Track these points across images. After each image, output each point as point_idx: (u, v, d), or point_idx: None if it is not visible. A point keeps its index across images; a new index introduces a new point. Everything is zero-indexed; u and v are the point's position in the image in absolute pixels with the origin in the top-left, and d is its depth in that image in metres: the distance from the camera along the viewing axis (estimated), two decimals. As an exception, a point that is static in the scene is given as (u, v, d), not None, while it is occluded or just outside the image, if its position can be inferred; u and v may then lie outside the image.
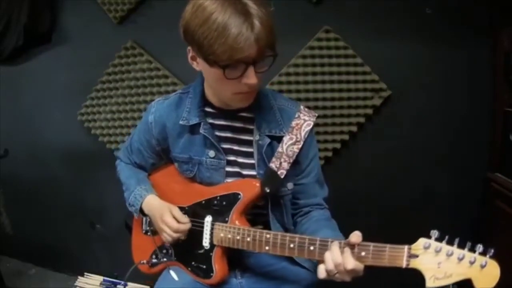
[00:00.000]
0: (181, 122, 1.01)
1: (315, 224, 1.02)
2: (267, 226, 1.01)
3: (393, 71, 1.57)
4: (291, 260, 1.05)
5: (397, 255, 0.74)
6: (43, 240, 2.17)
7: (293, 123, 1.01)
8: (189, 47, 0.90)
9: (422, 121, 1.60)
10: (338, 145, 1.65)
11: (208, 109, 1.02)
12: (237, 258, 1.06)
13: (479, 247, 0.68)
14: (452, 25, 1.50)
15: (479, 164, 1.57)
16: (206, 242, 1.00)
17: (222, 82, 0.86)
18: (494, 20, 1.46)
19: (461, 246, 0.70)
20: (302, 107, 1.04)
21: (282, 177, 0.98)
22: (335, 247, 0.79)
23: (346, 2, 1.54)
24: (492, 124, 1.53)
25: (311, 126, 1.01)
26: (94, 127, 1.90)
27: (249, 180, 1.00)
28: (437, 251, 0.71)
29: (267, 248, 0.90)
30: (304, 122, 1.01)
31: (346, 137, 1.64)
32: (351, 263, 0.76)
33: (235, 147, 1.02)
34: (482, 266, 0.67)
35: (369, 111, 1.60)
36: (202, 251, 1.01)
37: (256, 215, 1.04)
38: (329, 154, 1.67)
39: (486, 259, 0.67)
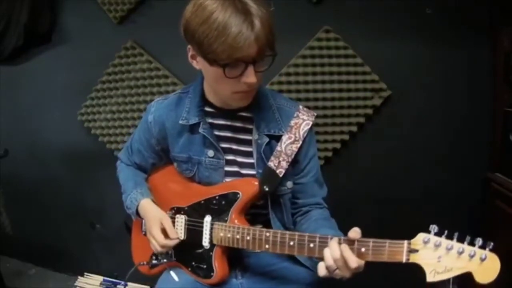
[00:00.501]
0: (180, 122, 1.01)
1: (314, 224, 1.02)
2: (266, 226, 1.01)
3: (393, 71, 1.57)
4: (292, 260, 1.05)
5: (397, 250, 0.75)
6: (43, 240, 2.17)
7: (292, 123, 1.01)
8: (189, 46, 0.91)
9: (422, 121, 1.60)
10: (338, 145, 1.65)
11: (207, 109, 1.03)
12: (237, 258, 1.06)
13: (479, 241, 0.68)
14: (452, 25, 1.50)
15: (479, 164, 1.57)
16: (206, 242, 1.00)
17: (222, 81, 0.87)
18: (494, 20, 1.46)
19: (460, 240, 0.70)
20: (301, 106, 1.05)
21: (280, 176, 0.98)
22: (333, 243, 0.80)
23: (346, 2, 1.54)
24: (492, 124, 1.53)
25: (309, 126, 1.02)
26: (94, 127, 1.90)
27: (247, 179, 1.00)
28: (437, 246, 0.71)
29: (267, 246, 0.90)
30: (303, 121, 1.02)
31: (346, 137, 1.64)
32: (352, 259, 0.77)
33: (234, 147, 1.03)
34: (482, 259, 0.67)
35: (369, 111, 1.60)
36: (202, 251, 1.01)
37: (255, 215, 1.04)
38: (329, 154, 1.67)
39: (485, 252, 0.67)
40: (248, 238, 0.93)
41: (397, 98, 1.59)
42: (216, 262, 0.99)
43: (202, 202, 1.02)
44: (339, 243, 0.79)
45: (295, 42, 1.58)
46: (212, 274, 0.99)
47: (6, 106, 2.03)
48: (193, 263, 1.03)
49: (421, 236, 0.73)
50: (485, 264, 0.67)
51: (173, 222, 1.04)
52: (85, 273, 2.06)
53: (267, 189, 0.97)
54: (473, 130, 1.57)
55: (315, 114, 1.05)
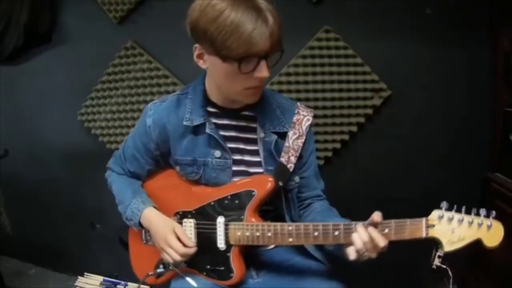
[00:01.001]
0: (185, 123, 1.00)
1: (319, 215, 1.05)
2: (276, 222, 1.01)
3: (393, 71, 1.57)
4: (302, 253, 1.07)
5: (417, 227, 0.82)
6: (43, 240, 2.17)
7: (294, 119, 1.05)
8: (196, 45, 0.91)
9: (422, 121, 1.60)
10: (338, 145, 1.65)
11: (210, 109, 1.02)
12: (250, 257, 1.04)
13: (483, 211, 0.79)
14: (452, 25, 1.50)
15: (479, 164, 1.57)
16: (221, 244, 0.98)
17: (234, 77, 0.87)
18: (494, 20, 1.46)
19: (468, 212, 0.80)
20: (299, 104, 1.09)
21: (291, 170, 1.01)
22: (360, 228, 0.84)
23: (346, 2, 1.54)
24: (492, 124, 1.53)
25: (310, 121, 1.06)
26: (94, 127, 1.90)
27: (261, 176, 1.01)
28: (450, 219, 0.80)
29: (290, 240, 0.91)
30: (304, 117, 1.06)
31: (346, 137, 1.64)
32: (380, 239, 0.82)
33: (241, 146, 1.03)
34: (489, 227, 0.78)
35: (369, 111, 1.60)
36: (217, 253, 0.99)
37: (265, 212, 1.04)
38: (329, 154, 1.67)
39: (491, 220, 0.78)
40: (269, 234, 0.93)
41: (397, 98, 1.59)
42: (235, 262, 0.98)
43: (212, 203, 1.00)
44: (366, 227, 0.84)
45: (295, 42, 1.58)
46: (231, 275, 0.98)
47: (6, 106, 2.03)
48: (208, 266, 1.00)
49: (436, 212, 0.82)
50: (491, 231, 0.78)
51: None
52: (85, 273, 2.06)
53: (281, 184, 0.98)
54: (473, 130, 1.57)
55: (313, 110, 1.09)
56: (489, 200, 1.51)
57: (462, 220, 0.80)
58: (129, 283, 1.97)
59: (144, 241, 1.13)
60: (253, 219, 0.96)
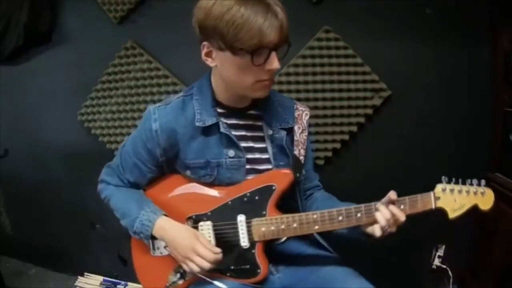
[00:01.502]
0: (197, 124, 0.98)
1: (323, 203, 1.10)
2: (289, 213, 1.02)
3: (393, 71, 1.57)
4: (313, 245, 1.11)
5: (427, 200, 0.94)
6: (43, 240, 2.17)
7: (296, 114, 1.10)
8: (204, 43, 0.91)
9: (422, 121, 1.60)
10: (338, 145, 1.65)
11: (218, 109, 1.02)
12: (267, 255, 1.04)
13: (475, 181, 0.93)
14: (452, 25, 1.50)
15: (479, 164, 1.57)
16: (244, 242, 0.98)
17: (246, 70, 0.89)
18: (494, 20, 1.46)
19: (463, 183, 0.94)
20: (295, 100, 1.15)
21: (303, 162, 1.06)
22: (382, 207, 0.92)
23: (346, 2, 1.54)
24: (492, 124, 1.53)
25: (309, 115, 1.12)
26: (94, 127, 1.90)
27: (278, 170, 1.03)
28: (451, 190, 0.93)
29: (316, 227, 0.96)
30: (302, 112, 1.11)
31: (346, 137, 1.64)
32: (401, 214, 0.92)
33: (251, 144, 1.04)
34: (482, 193, 0.92)
35: (369, 111, 1.60)
36: (241, 251, 0.99)
37: (279, 206, 1.04)
38: (329, 154, 1.67)
39: (483, 188, 0.92)
40: (294, 225, 0.96)
41: (397, 98, 1.59)
42: (260, 258, 0.99)
43: (229, 203, 1.00)
44: (386, 206, 0.92)
45: (295, 42, 1.55)
46: (258, 271, 0.98)
47: (6, 106, 2.03)
48: (232, 267, 0.99)
49: (439, 186, 0.94)
50: (485, 197, 0.92)
51: None
52: (85, 273, 2.06)
53: (298, 176, 1.03)
54: (473, 130, 1.57)
55: (308, 107, 1.15)
56: (489, 200, 1.51)
57: (461, 190, 0.93)
58: (129, 283, 1.97)
59: (153, 252, 1.08)
60: (274, 214, 0.98)
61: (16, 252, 2.25)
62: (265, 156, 1.05)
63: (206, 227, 1.00)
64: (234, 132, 1.01)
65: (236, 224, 0.98)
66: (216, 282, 0.97)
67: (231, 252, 0.99)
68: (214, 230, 1.00)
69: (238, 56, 0.86)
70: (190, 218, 1.02)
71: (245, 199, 0.99)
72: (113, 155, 1.86)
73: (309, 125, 1.12)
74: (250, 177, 1.02)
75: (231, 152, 1.00)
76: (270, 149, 1.04)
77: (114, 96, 1.83)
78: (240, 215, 0.98)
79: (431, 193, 0.94)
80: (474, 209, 0.93)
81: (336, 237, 1.04)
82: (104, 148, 1.91)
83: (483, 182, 0.93)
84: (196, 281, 1.01)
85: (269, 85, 0.96)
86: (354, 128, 1.63)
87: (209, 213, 1.01)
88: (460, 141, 1.58)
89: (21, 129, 2.05)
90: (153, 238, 1.02)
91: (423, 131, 1.61)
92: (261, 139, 1.05)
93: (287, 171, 1.01)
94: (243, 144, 1.02)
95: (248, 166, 1.03)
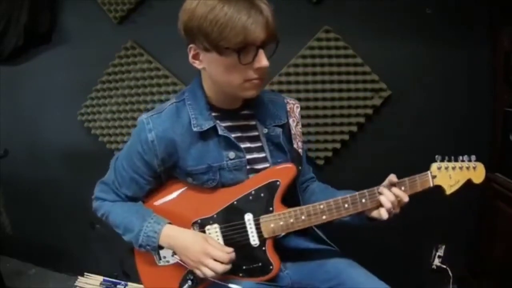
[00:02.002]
0: (194, 129, 0.96)
1: (322, 194, 1.10)
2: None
3: (393, 71, 1.57)
4: (314, 240, 1.13)
5: (425, 180, 0.99)
6: (43, 240, 2.17)
7: (288, 108, 1.11)
8: (190, 46, 0.91)
9: (422, 121, 1.60)
10: (338, 145, 1.65)
11: (212, 113, 1.00)
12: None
13: (466, 157, 0.99)
14: (452, 25, 1.50)
15: (479, 164, 1.57)
16: (254, 240, 0.98)
17: (234, 70, 0.87)
18: (494, 20, 1.46)
19: (455, 160, 1.00)
20: (283, 95, 1.15)
21: (301, 155, 1.09)
22: (385, 190, 0.96)
23: (346, 2, 1.54)
24: (492, 124, 1.53)
25: (299, 108, 1.13)
26: (94, 127, 1.90)
27: (281, 166, 1.02)
28: (446, 168, 0.99)
29: (324, 217, 0.97)
30: (293, 105, 1.12)
31: (346, 137, 1.64)
32: (403, 195, 0.96)
33: (248, 145, 1.04)
34: (474, 168, 1.00)
35: (369, 111, 1.60)
36: (251, 250, 0.98)
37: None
38: (329, 154, 1.67)
39: (474, 163, 1.00)
40: (303, 217, 0.97)
41: (397, 98, 1.59)
42: (271, 254, 0.99)
43: (235, 203, 0.99)
44: (389, 188, 0.96)
45: (295, 42, 1.58)
46: (271, 267, 0.98)
47: (6, 106, 2.03)
48: (244, 267, 0.99)
49: (434, 164, 1.00)
50: (477, 171, 1.00)
51: None
52: (85, 273, 2.07)
53: (300, 169, 1.05)
54: (473, 130, 1.57)
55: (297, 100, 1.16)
56: (489, 200, 1.51)
57: (454, 167, 0.99)
58: (129, 283, 1.97)
59: (159, 262, 1.05)
60: (281, 209, 0.98)
61: (16, 252, 2.25)
62: (262, 155, 1.05)
63: (214, 230, 1.00)
64: (231, 134, 1.01)
65: (244, 223, 0.98)
66: (231, 285, 0.95)
67: (241, 252, 0.97)
68: (222, 232, 1.00)
69: (225, 56, 0.85)
70: (195, 223, 1.01)
71: (251, 197, 0.99)
72: (113, 155, 1.87)
73: (301, 117, 1.13)
74: (251, 176, 1.02)
75: (232, 154, 0.99)
76: (266, 147, 1.04)
77: (114, 96, 1.83)
78: (247, 214, 0.98)
79: (428, 173, 0.99)
80: (469, 183, 1.00)
81: (338, 228, 1.05)
82: (104, 148, 1.91)
83: (473, 157, 0.99)
84: (208, 285, 0.99)
85: (260, 84, 0.93)
86: (354, 128, 1.63)
87: (214, 216, 1.00)
88: (460, 141, 1.58)
89: (21, 129, 2.05)
90: (160, 248, 1.00)
91: (423, 131, 1.61)
92: (256, 139, 1.05)
93: (289, 165, 1.01)
94: (241, 145, 1.02)
95: (247, 167, 1.02)
